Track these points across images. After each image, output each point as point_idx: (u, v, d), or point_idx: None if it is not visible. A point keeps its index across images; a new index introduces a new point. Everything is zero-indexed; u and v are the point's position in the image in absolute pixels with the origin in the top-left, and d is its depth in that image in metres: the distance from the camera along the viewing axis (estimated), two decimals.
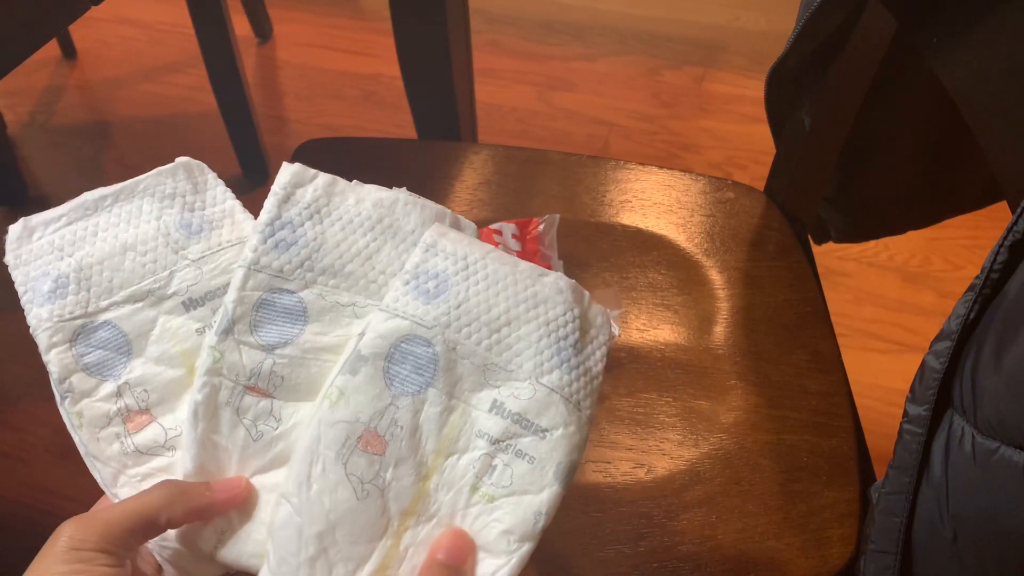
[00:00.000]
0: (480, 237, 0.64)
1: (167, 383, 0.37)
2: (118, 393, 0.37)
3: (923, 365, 0.40)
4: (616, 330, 0.61)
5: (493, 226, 0.64)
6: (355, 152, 0.76)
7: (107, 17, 1.74)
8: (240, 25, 1.71)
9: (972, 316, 0.37)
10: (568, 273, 0.65)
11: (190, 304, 0.38)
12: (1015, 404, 0.34)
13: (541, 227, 0.65)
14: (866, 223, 0.73)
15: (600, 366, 0.37)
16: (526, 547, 0.35)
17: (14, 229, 0.40)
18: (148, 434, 0.37)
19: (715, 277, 0.66)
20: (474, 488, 0.35)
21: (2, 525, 0.97)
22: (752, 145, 1.43)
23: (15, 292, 0.38)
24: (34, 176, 1.42)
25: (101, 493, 0.37)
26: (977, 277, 0.37)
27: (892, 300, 1.21)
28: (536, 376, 0.36)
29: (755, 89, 1.56)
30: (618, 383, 0.60)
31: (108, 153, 1.45)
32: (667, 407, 0.59)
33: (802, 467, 0.55)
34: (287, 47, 1.67)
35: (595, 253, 0.68)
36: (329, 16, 1.72)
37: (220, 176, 0.43)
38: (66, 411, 0.36)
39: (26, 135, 1.49)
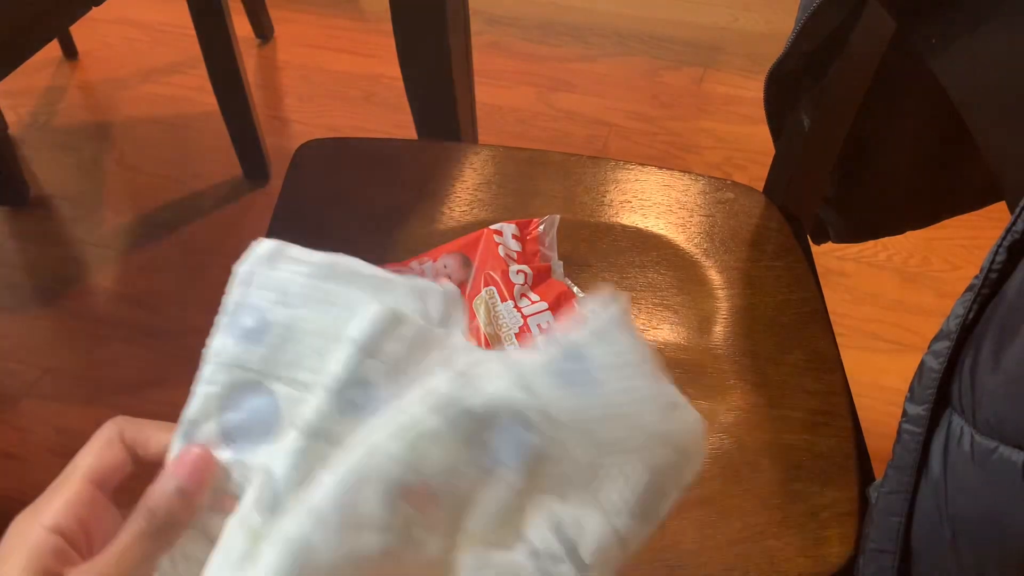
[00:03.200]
0: (482, 238, 0.64)
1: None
2: (227, 469, 0.32)
3: (922, 365, 0.40)
4: None
5: (494, 227, 0.64)
6: (355, 152, 0.76)
7: (108, 18, 1.74)
8: (241, 26, 1.71)
9: (971, 316, 0.37)
10: (568, 273, 0.66)
11: None
12: (1013, 403, 0.34)
13: (541, 227, 0.66)
14: (864, 223, 0.73)
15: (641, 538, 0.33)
16: None
17: (266, 247, 0.34)
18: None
19: (714, 277, 0.66)
20: None
21: (3, 525, 0.97)
22: (751, 146, 1.44)
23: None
24: (35, 176, 1.42)
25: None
26: (976, 277, 0.37)
27: (891, 300, 1.21)
28: (613, 514, 0.31)
29: (754, 90, 1.56)
30: None
31: (109, 154, 1.46)
32: None
33: (801, 466, 0.55)
34: (288, 48, 1.67)
35: (595, 253, 0.68)
36: (330, 17, 1.72)
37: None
38: (175, 443, 0.33)
39: (27, 135, 1.49)
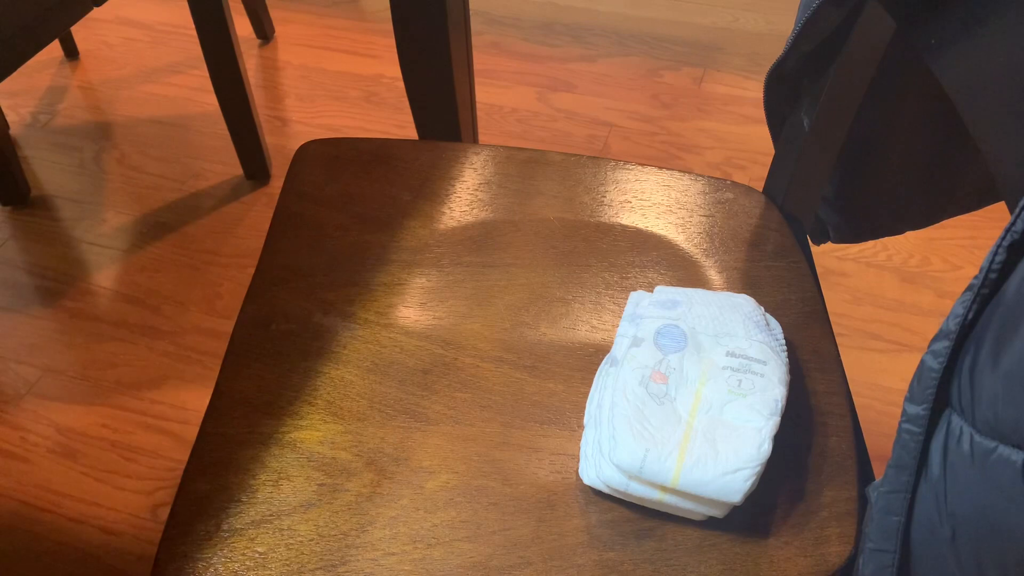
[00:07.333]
0: None
1: None
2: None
3: (921, 365, 0.40)
4: None
5: None
6: (356, 152, 0.76)
7: (109, 18, 1.74)
8: (241, 26, 1.71)
9: (970, 316, 0.37)
10: (568, 273, 0.66)
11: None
12: (1013, 404, 0.34)
13: None
14: (864, 223, 0.73)
15: (779, 340, 0.57)
16: (775, 419, 0.51)
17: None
18: None
19: (714, 277, 0.66)
20: (730, 391, 0.53)
21: (3, 524, 0.97)
22: (751, 146, 1.44)
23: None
24: (36, 176, 1.42)
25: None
26: (975, 277, 0.37)
27: (890, 300, 1.21)
28: (749, 338, 0.56)
29: (754, 90, 1.57)
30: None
31: (110, 154, 1.46)
32: None
33: (801, 466, 0.55)
34: (288, 48, 1.67)
35: (595, 253, 0.68)
36: (330, 17, 1.73)
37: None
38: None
39: (28, 135, 1.50)
